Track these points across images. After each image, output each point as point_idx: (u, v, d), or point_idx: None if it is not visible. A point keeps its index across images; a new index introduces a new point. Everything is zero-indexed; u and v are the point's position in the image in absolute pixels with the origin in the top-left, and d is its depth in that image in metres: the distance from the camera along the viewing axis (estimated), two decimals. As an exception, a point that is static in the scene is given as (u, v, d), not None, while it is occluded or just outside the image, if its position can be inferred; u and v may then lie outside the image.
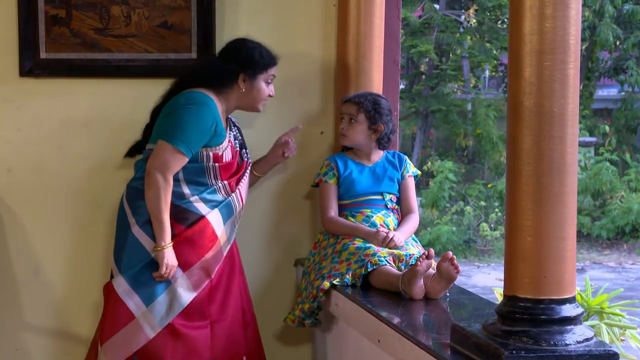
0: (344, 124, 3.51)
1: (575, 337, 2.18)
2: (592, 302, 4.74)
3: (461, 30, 15.19)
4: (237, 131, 3.56)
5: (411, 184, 3.59)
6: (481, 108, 14.39)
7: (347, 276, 3.21)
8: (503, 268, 2.31)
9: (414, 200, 3.57)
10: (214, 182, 3.40)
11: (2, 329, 3.70)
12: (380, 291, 3.14)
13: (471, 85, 17.09)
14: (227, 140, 3.41)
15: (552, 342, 2.16)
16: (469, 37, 15.17)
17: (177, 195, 3.33)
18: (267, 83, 3.43)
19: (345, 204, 3.52)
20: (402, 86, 15.09)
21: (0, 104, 3.65)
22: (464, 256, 11.48)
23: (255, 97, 3.42)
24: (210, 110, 3.31)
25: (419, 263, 2.97)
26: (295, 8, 3.81)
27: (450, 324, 2.48)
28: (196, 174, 3.37)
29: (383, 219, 3.45)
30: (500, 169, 13.99)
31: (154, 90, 3.67)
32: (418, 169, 3.77)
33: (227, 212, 3.42)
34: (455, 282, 3.08)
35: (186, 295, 3.32)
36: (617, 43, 14.81)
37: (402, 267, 3.17)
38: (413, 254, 3.23)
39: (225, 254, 3.42)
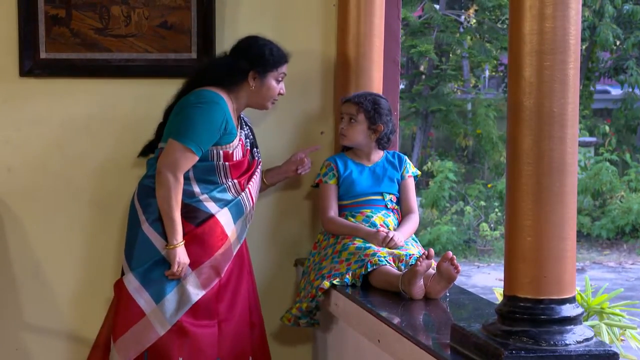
0: (344, 124, 3.52)
1: (575, 337, 2.18)
2: (592, 302, 4.74)
3: (461, 30, 15.19)
4: (248, 130, 3.55)
5: (411, 184, 3.59)
6: (481, 108, 14.38)
7: (347, 276, 3.21)
8: (503, 268, 2.31)
9: (414, 200, 3.57)
10: (224, 180, 3.40)
11: (2, 329, 3.70)
12: (380, 291, 3.14)
13: (471, 85, 17.09)
14: (237, 138, 3.41)
15: (552, 342, 2.16)
16: (469, 37, 15.17)
17: (187, 194, 3.34)
18: (278, 81, 3.43)
19: (345, 204, 3.52)
20: (402, 86, 15.09)
21: (0, 104, 3.65)
22: (464, 256, 11.48)
23: (265, 95, 3.42)
24: (221, 109, 3.32)
25: (419, 263, 2.97)
26: (295, 8, 3.81)
27: (450, 324, 2.48)
28: (206, 173, 3.37)
29: (383, 219, 3.46)
30: (500, 169, 13.99)
31: (154, 90, 3.68)
32: (418, 169, 3.78)
33: (237, 211, 3.42)
34: (455, 282, 3.08)
35: (195, 293, 3.33)
36: (617, 43, 14.81)
37: (402, 267, 3.17)
38: (413, 254, 3.23)
39: (235, 253, 3.43)
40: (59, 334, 3.74)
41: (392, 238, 3.29)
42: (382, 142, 3.54)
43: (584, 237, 12.40)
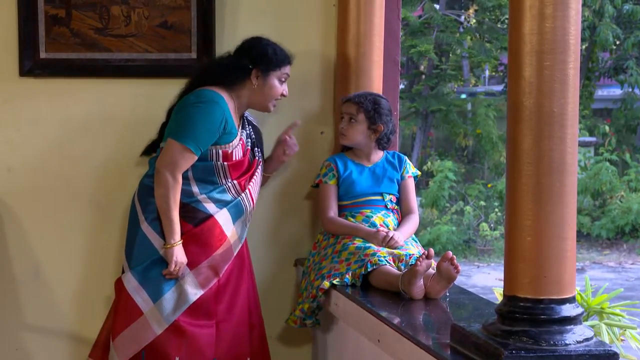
0: (344, 124, 3.52)
1: (575, 337, 2.18)
2: (592, 302, 4.74)
3: (461, 30, 15.20)
4: (251, 129, 3.55)
5: (411, 184, 3.59)
6: (481, 108, 14.39)
7: (347, 276, 3.21)
8: (503, 268, 2.31)
9: (414, 200, 3.57)
10: (223, 181, 3.40)
11: (2, 329, 3.70)
12: (380, 291, 3.14)
13: (471, 85, 17.10)
14: (238, 138, 3.41)
15: (552, 342, 2.16)
16: (469, 37, 15.18)
17: (186, 194, 3.35)
18: (281, 81, 3.43)
19: (345, 204, 3.52)
20: (402, 86, 15.09)
21: (0, 104, 3.65)
22: (464, 256, 11.48)
23: (267, 94, 3.42)
24: (220, 108, 3.32)
25: (418, 263, 2.97)
26: (295, 8, 3.81)
27: (450, 324, 2.48)
28: (206, 173, 3.37)
29: (383, 219, 3.46)
30: (500, 169, 13.99)
31: (154, 90, 3.68)
32: (418, 168, 3.78)
33: (237, 211, 3.42)
34: (455, 282, 3.08)
35: (193, 293, 3.33)
36: (617, 43, 14.82)
37: (402, 267, 3.17)
38: (413, 254, 3.23)
39: (235, 253, 3.43)
40: (59, 334, 3.74)
41: (392, 237, 3.29)
42: (382, 142, 3.54)
43: (584, 237, 12.40)
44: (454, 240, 11.69)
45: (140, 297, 3.32)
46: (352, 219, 3.46)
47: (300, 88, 3.78)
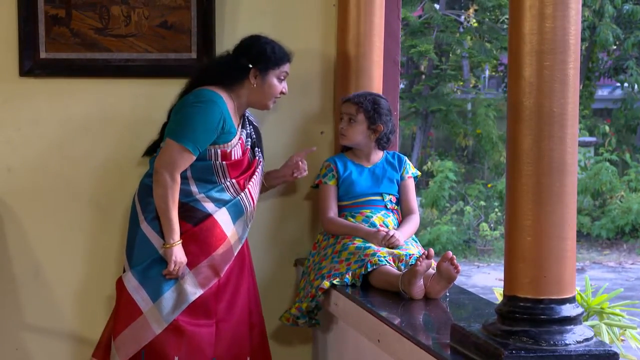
0: (344, 124, 3.51)
1: (575, 337, 2.18)
2: (592, 302, 4.74)
3: (461, 30, 15.19)
4: (251, 129, 3.54)
5: (411, 184, 3.59)
6: (481, 108, 14.39)
7: (347, 276, 3.21)
8: (503, 268, 2.31)
9: (414, 201, 3.57)
10: (222, 180, 3.41)
11: (2, 329, 3.70)
12: (380, 291, 3.14)
13: (471, 85, 17.10)
14: (237, 137, 3.41)
15: (552, 342, 2.16)
16: (469, 37, 15.17)
17: (185, 193, 3.35)
18: (280, 80, 3.42)
19: (345, 204, 3.52)
20: (402, 86, 15.09)
21: (0, 104, 3.65)
22: (464, 256, 11.48)
23: (266, 93, 3.41)
24: (218, 108, 3.32)
25: (418, 263, 2.97)
26: (295, 8, 3.81)
27: (450, 324, 2.48)
28: (204, 172, 3.38)
29: (383, 219, 3.46)
30: (500, 169, 13.99)
31: (153, 90, 3.68)
32: (418, 169, 3.78)
33: (237, 211, 3.42)
34: (455, 282, 3.08)
35: (192, 293, 3.33)
36: (617, 43, 14.81)
37: (402, 267, 3.17)
38: (413, 254, 3.23)
39: (235, 253, 3.42)
40: (59, 334, 3.74)
41: (392, 235, 3.29)
42: (382, 142, 3.54)
43: (584, 237, 12.40)
44: (454, 240, 11.69)
45: (140, 297, 3.32)
46: (352, 219, 3.46)
47: (300, 88, 3.78)
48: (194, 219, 3.36)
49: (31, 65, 3.62)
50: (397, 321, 2.77)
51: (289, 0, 3.81)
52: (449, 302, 3.02)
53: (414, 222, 3.51)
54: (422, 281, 3.01)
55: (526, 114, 2.18)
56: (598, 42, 14.31)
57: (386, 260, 3.19)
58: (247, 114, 3.54)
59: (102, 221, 3.72)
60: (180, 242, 3.31)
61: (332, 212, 3.50)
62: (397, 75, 3.96)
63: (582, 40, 8.81)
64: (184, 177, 3.35)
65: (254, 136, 3.55)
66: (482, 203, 12.80)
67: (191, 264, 3.34)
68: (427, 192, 12.70)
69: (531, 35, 2.16)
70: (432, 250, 3.01)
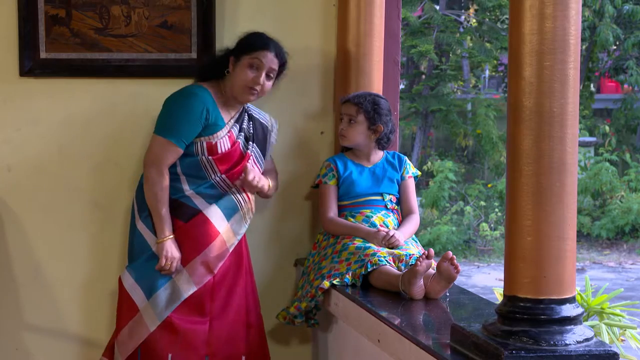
0: (344, 125, 3.51)
1: (575, 337, 2.18)
2: (592, 302, 4.74)
3: (461, 30, 15.19)
4: (250, 124, 3.53)
5: (411, 184, 3.59)
6: (481, 108, 14.38)
7: (347, 276, 3.21)
8: (503, 268, 2.31)
9: (414, 200, 3.57)
10: (212, 176, 3.41)
11: (2, 329, 3.70)
12: (380, 291, 3.14)
13: (471, 85, 17.10)
14: (225, 129, 3.40)
15: (552, 342, 2.16)
16: (469, 37, 15.17)
17: (176, 190, 3.37)
18: (252, 68, 3.33)
19: (345, 204, 3.52)
20: (402, 86, 15.09)
21: (0, 104, 3.65)
22: (464, 256, 11.48)
23: (235, 79, 3.35)
24: (199, 99, 3.34)
25: (418, 263, 2.97)
26: (295, 8, 3.81)
27: (450, 324, 2.48)
28: (193, 168, 3.39)
29: (383, 219, 3.45)
30: (500, 169, 13.98)
31: (153, 90, 3.67)
32: (418, 169, 3.78)
33: (229, 206, 3.42)
34: (455, 282, 3.08)
35: (186, 289, 3.34)
36: (617, 43, 14.81)
37: (402, 267, 3.17)
38: (413, 254, 3.23)
39: (230, 250, 3.42)
40: (59, 334, 3.74)
41: (392, 235, 3.29)
42: (382, 142, 3.54)
43: (584, 237, 12.39)
44: (454, 240, 11.69)
45: (136, 294, 3.35)
46: (352, 219, 3.46)
47: (300, 88, 3.78)
48: (185, 215, 3.38)
49: (31, 65, 3.62)
50: (397, 321, 2.77)
51: (289, 0, 3.81)
52: (449, 302, 3.02)
53: (414, 222, 3.51)
54: (422, 281, 3.01)
55: (526, 114, 2.18)
56: (598, 42, 14.30)
57: (386, 260, 3.19)
58: (252, 112, 3.54)
59: (102, 221, 3.72)
60: (171, 237, 3.32)
61: (332, 212, 3.50)
62: (397, 75, 3.96)
63: (582, 40, 8.81)
64: (174, 173, 3.37)
65: (251, 130, 3.53)
66: (482, 203, 12.80)
67: (184, 260, 3.35)
68: (427, 192, 12.69)
69: (531, 35, 2.16)
70: (432, 250, 3.01)
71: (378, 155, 3.58)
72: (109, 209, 3.71)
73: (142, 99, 3.70)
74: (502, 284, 2.35)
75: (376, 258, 3.19)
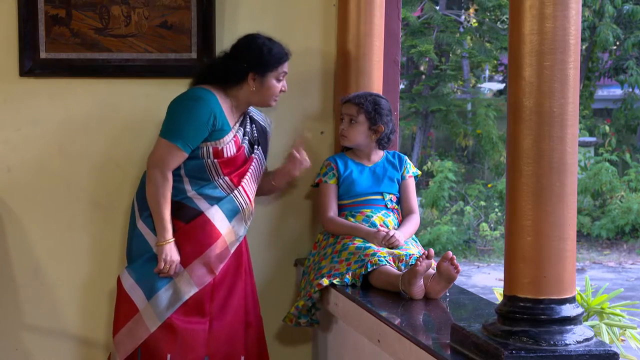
0: (344, 125, 3.51)
1: (575, 337, 2.18)
2: (592, 302, 4.74)
3: (461, 30, 15.19)
4: (253, 127, 3.53)
5: (411, 184, 3.59)
6: (481, 108, 14.38)
7: (347, 276, 3.21)
8: (503, 268, 2.31)
9: (414, 200, 3.57)
10: (215, 177, 3.41)
11: (2, 329, 3.70)
12: (380, 291, 3.14)
13: (471, 85, 17.09)
14: (231, 134, 3.40)
15: (552, 342, 2.16)
16: (469, 37, 15.17)
17: (178, 191, 3.36)
18: (279, 80, 3.41)
19: (345, 204, 3.52)
20: (402, 86, 15.08)
21: (0, 104, 3.65)
22: (464, 256, 11.48)
23: (265, 94, 3.41)
24: (206, 104, 3.32)
25: (418, 263, 2.97)
26: (295, 8, 3.81)
27: (450, 324, 2.48)
28: (197, 170, 3.38)
29: (383, 219, 3.45)
30: (500, 169, 13.98)
31: (153, 90, 3.68)
32: (418, 169, 3.77)
33: (231, 208, 3.42)
34: (455, 282, 3.08)
35: (187, 290, 3.34)
36: (617, 43, 14.81)
37: (402, 267, 3.17)
38: (413, 254, 3.23)
39: (232, 251, 3.42)
40: (59, 334, 3.74)
41: (392, 235, 3.29)
42: (383, 142, 3.54)
43: (584, 237, 12.39)
44: (454, 240, 11.68)
45: (136, 294, 3.35)
46: (352, 219, 3.46)
47: (300, 88, 3.78)
48: (186, 216, 3.37)
49: (31, 65, 3.62)
50: (397, 321, 2.77)
51: (289, 1, 3.81)
52: (449, 302, 3.02)
53: (414, 222, 3.51)
54: (422, 281, 3.01)
55: (526, 114, 2.18)
56: (598, 42, 14.30)
57: (386, 260, 3.19)
58: (252, 114, 3.54)
59: (102, 220, 3.72)
60: (172, 240, 3.31)
61: (332, 211, 3.50)
62: (397, 75, 3.96)
63: (582, 40, 8.81)
64: (177, 174, 3.36)
65: (256, 135, 3.54)
66: (482, 203, 12.80)
67: (185, 261, 3.35)
68: (427, 192, 12.69)
69: (531, 35, 2.16)
70: (432, 250, 3.01)
71: (378, 155, 3.58)
72: (109, 208, 3.71)
73: (142, 99, 3.70)
74: (502, 284, 2.35)
75: (376, 258, 3.19)
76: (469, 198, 13.04)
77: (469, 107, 15.79)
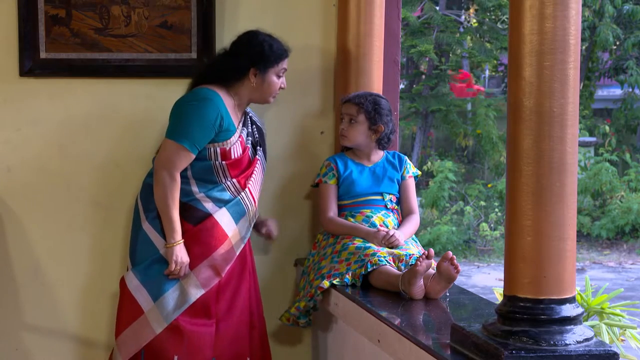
0: (344, 125, 3.51)
1: (575, 337, 2.19)
2: (592, 302, 4.74)
3: (461, 30, 15.19)
4: (253, 128, 3.54)
5: (411, 184, 3.59)
6: (481, 108, 14.38)
7: (347, 276, 3.21)
8: (503, 268, 2.31)
9: (414, 200, 3.57)
10: (223, 180, 3.41)
11: (2, 329, 3.70)
12: (380, 291, 3.14)
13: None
14: (237, 135, 3.40)
15: (552, 342, 2.16)
16: (469, 37, 15.17)
17: (185, 193, 3.35)
18: (279, 76, 3.42)
19: (345, 204, 3.52)
20: (402, 86, 15.08)
21: (0, 104, 3.65)
22: (464, 256, 11.47)
23: (266, 90, 3.41)
24: (214, 105, 3.32)
25: (418, 263, 2.97)
26: (295, 8, 3.81)
27: (450, 324, 2.48)
28: (205, 172, 3.38)
29: (383, 219, 3.45)
30: (500, 169, 13.98)
31: (153, 90, 3.68)
32: (418, 169, 3.77)
33: (238, 210, 3.42)
34: (455, 282, 3.08)
35: (194, 293, 3.33)
36: (617, 43, 14.81)
37: (402, 267, 3.17)
38: (413, 254, 3.23)
39: (237, 253, 3.42)
40: (59, 334, 3.74)
41: (392, 234, 3.29)
42: (383, 142, 3.54)
43: (584, 237, 12.39)
44: (454, 240, 11.68)
45: (141, 296, 3.33)
46: (352, 219, 3.46)
47: (300, 88, 3.78)
48: (194, 218, 3.37)
49: (31, 65, 3.62)
50: (397, 321, 2.77)
51: (289, 1, 3.81)
52: (449, 302, 3.02)
53: (414, 222, 3.51)
54: (422, 281, 3.01)
55: (526, 114, 2.18)
56: (598, 42, 14.30)
57: (386, 260, 3.19)
58: (250, 114, 3.54)
59: (102, 221, 3.72)
60: (181, 241, 3.31)
61: (332, 211, 3.50)
62: (397, 75, 3.96)
63: (582, 40, 8.80)
64: (184, 176, 3.35)
65: (257, 135, 3.55)
66: (482, 203, 12.79)
67: (192, 264, 3.34)
68: (427, 192, 12.69)
69: (531, 35, 2.16)
70: (432, 250, 3.01)
71: (378, 155, 3.58)
72: (109, 209, 3.71)
73: (142, 99, 3.70)
74: (502, 284, 2.35)
75: (376, 258, 3.19)
76: (469, 198, 13.04)
77: (469, 107, 15.78)
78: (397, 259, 3.21)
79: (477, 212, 12.61)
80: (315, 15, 3.81)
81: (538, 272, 2.19)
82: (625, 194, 12.95)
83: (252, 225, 3.49)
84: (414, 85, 15.63)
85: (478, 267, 11.03)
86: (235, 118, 3.41)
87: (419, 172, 3.66)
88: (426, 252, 3.00)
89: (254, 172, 3.49)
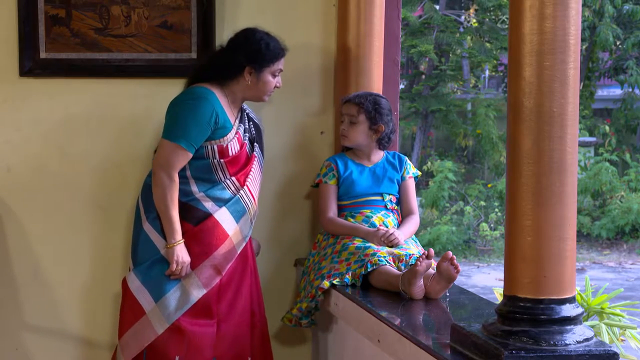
0: (345, 125, 3.51)
1: (575, 337, 2.18)
2: (592, 302, 4.74)
3: (461, 30, 15.19)
4: (251, 125, 3.54)
5: (411, 185, 3.59)
6: (481, 108, 14.39)
7: (347, 276, 3.21)
8: (503, 268, 2.31)
9: (414, 201, 3.57)
10: (222, 178, 3.40)
11: (2, 329, 3.70)
12: (380, 291, 3.14)
13: (471, 85, 17.09)
14: (233, 131, 3.40)
15: (552, 342, 2.16)
16: (469, 37, 15.17)
17: (185, 193, 3.35)
18: (274, 75, 3.41)
19: (345, 204, 3.52)
20: (402, 86, 15.08)
21: (0, 104, 3.65)
22: (464, 256, 11.48)
23: (261, 89, 3.40)
24: (209, 103, 3.31)
25: (418, 263, 2.97)
26: (295, 8, 3.81)
27: (450, 324, 2.48)
28: (203, 171, 3.37)
29: (383, 219, 3.45)
30: (500, 169, 13.99)
31: (153, 90, 3.68)
32: (418, 169, 3.77)
33: (238, 209, 3.41)
34: (455, 282, 3.08)
35: (195, 293, 3.33)
36: (617, 43, 14.82)
37: (402, 267, 3.17)
38: (413, 254, 3.23)
39: (238, 252, 3.42)
40: (59, 334, 3.74)
41: (392, 233, 3.29)
42: (383, 142, 3.54)
43: (584, 237, 12.40)
44: (454, 240, 11.69)
45: (143, 297, 3.33)
46: (351, 219, 3.46)
47: (300, 88, 3.78)
48: (194, 218, 3.36)
49: (31, 65, 3.62)
50: (397, 321, 2.77)
51: (289, 1, 3.81)
52: (449, 302, 3.02)
53: (414, 222, 3.51)
54: (422, 281, 3.01)
55: (526, 114, 2.18)
56: (598, 42, 14.30)
57: (386, 260, 3.19)
58: (247, 111, 3.54)
59: (102, 221, 3.72)
60: (182, 241, 3.31)
61: (332, 212, 3.50)
62: (397, 75, 3.96)
63: (582, 40, 8.80)
64: (183, 176, 3.35)
65: (254, 132, 3.54)
66: (482, 203, 12.80)
67: (193, 263, 3.34)
68: (427, 192, 12.69)
69: (531, 35, 2.16)
70: (432, 250, 3.01)
71: (379, 155, 3.58)
72: (109, 209, 3.71)
73: (142, 99, 3.70)
74: (502, 284, 2.35)
75: (376, 258, 3.19)
76: (469, 198, 13.04)
77: (469, 107, 15.79)
78: (397, 259, 3.21)
79: (477, 212, 12.61)
80: (315, 15, 3.81)
81: (538, 272, 2.19)
82: (625, 194, 12.95)
83: (254, 223, 3.49)
84: (414, 85, 15.63)
85: (478, 267, 11.03)
86: (230, 115, 3.40)
87: (419, 173, 3.66)
88: (426, 252, 3.00)
89: (252, 169, 3.48)
